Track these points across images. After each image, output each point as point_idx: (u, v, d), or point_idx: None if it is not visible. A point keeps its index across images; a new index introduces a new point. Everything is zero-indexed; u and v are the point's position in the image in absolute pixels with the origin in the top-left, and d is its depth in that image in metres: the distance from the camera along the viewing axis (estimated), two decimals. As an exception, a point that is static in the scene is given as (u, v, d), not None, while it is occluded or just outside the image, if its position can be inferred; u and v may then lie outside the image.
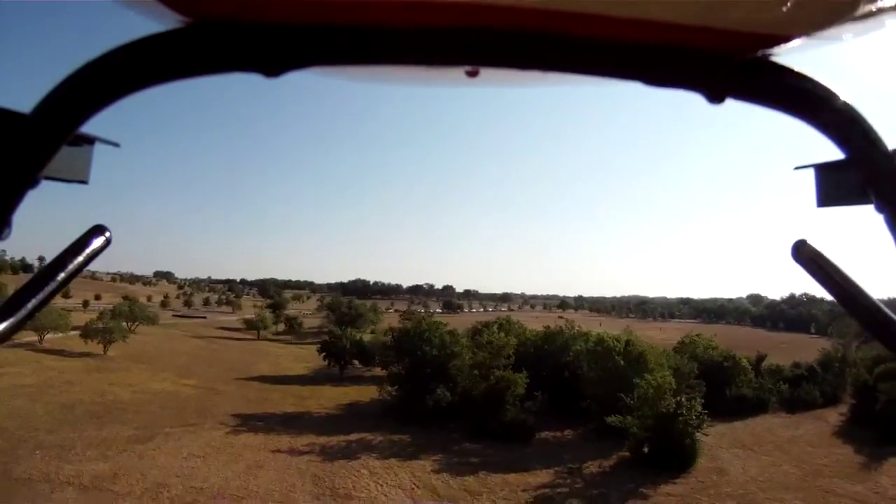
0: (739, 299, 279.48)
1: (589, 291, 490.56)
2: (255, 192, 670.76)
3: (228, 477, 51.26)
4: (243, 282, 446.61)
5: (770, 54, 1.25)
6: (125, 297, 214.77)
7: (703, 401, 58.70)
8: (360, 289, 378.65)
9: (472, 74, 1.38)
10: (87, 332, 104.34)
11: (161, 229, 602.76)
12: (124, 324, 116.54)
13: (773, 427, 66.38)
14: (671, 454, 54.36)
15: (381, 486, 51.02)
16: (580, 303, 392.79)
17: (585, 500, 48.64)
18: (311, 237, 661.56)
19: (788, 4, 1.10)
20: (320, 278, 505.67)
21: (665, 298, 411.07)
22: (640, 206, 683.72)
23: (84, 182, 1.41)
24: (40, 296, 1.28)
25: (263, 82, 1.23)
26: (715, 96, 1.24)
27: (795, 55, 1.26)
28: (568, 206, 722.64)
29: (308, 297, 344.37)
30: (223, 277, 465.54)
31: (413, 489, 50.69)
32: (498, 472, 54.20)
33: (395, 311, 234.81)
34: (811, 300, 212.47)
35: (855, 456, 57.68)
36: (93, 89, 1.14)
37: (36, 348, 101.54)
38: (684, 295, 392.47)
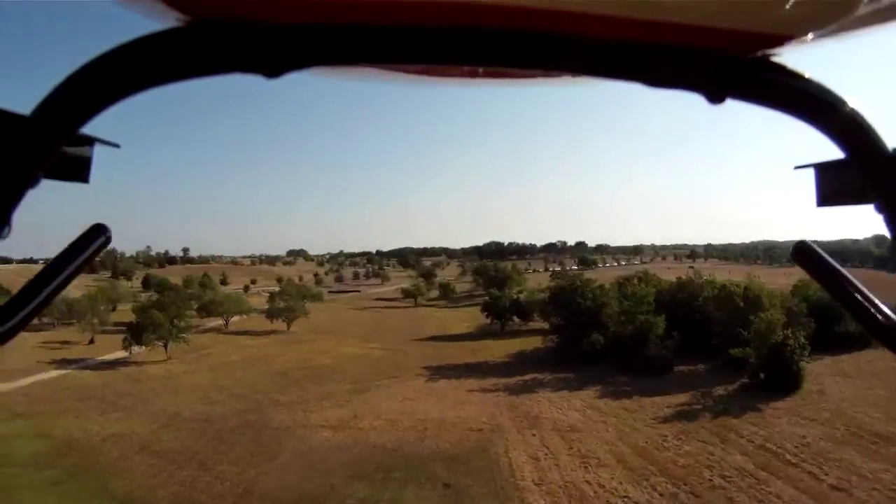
0: (865, 240, 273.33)
1: (718, 238, 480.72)
2: (385, 163, 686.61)
3: (442, 410, 63.06)
4: (379, 253, 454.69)
5: (770, 54, 1.26)
6: (279, 279, 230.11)
7: (807, 335, 68.32)
8: (494, 251, 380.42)
9: (472, 74, 1.46)
10: (271, 313, 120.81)
11: (287, 208, 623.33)
12: (302, 302, 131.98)
13: (873, 360, 71.24)
14: (781, 379, 64.32)
15: (560, 409, 63.06)
16: (709, 251, 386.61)
17: (713, 412, 59.78)
18: (442, 203, 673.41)
19: (789, 4, 1.10)
20: (453, 243, 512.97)
21: (793, 242, 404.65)
22: (766, 143, 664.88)
23: (84, 181, 1.48)
24: (41, 297, 1.32)
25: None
26: (715, 96, 1.25)
27: (795, 55, 1.27)
28: (694, 150, 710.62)
29: (447, 264, 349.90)
30: (356, 250, 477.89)
31: (584, 410, 62.66)
32: (646, 396, 65.80)
33: (534, 270, 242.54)
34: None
35: (942, 385, 63.36)
36: (92, 91, 1.15)
37: (223, 331, 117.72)
38: (811, 237, 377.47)
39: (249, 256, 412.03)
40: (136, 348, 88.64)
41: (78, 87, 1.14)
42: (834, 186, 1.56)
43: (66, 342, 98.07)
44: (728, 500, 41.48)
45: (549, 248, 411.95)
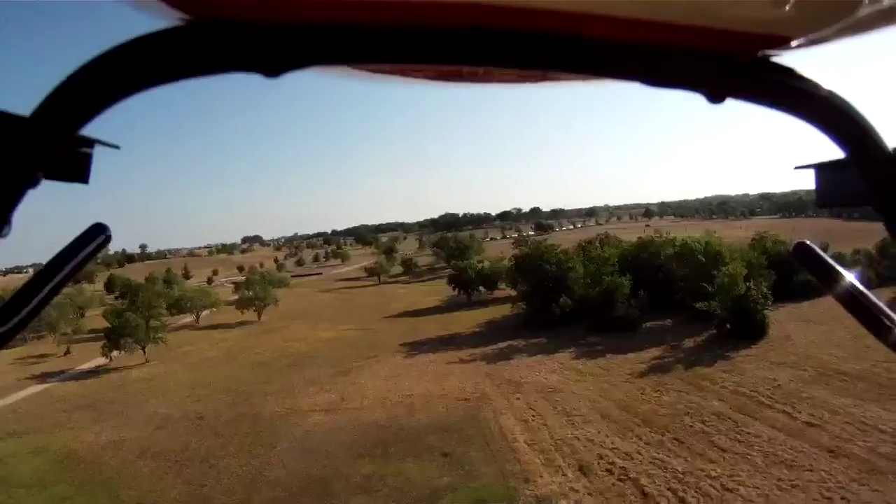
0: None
1: (671, 196, 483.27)
2: (336, 146, 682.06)
3: (426, 384, 63.82)
4: (335, 232, 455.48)
5: (770, 54, 1.25)
6: (240, 268, 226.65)
7: (769, 286, 70.34)
8: (451, 223, 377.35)
9: (472, 74, 1.46)
10: (241, 303, 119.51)
11: (237, 196, 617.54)
12: (269, 289, 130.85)
13: (834, 305, 70.62)
14: (748, 328, 66.53)
15: (539, 373, 64.37)
16: (664, 209, 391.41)
17: (686, 364, 61.79)
18: (392, 179, 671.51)
19: (788, 4, 1.08)
20: (407, 217, 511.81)
21: (746, 195, 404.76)
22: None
23: (84, 182, 1.43)
24: (40, 296, 1.30)
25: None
26: (715, 96, 1.25)
27: (795, 55, 1.26)
28: (643, 111, 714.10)
29: (404, 238, 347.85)
30: (310, 232, 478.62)
31: (562, 371, 64.16)
32: (619, 353, 67.54)
33: (492, 239, 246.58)
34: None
35: (897, 324, 66.81)
36: (92, 91, 1.13)
37: (195, 327, 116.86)
38: (765, 190, 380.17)
39: (206, 247, 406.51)
40: (115, 353, 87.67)
41: (78, 88, 1.15)
42: (834, 187, 1.62)
43: (42, 356, 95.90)
44: (710, 443, 43.77)
45: (505, 215, 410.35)
